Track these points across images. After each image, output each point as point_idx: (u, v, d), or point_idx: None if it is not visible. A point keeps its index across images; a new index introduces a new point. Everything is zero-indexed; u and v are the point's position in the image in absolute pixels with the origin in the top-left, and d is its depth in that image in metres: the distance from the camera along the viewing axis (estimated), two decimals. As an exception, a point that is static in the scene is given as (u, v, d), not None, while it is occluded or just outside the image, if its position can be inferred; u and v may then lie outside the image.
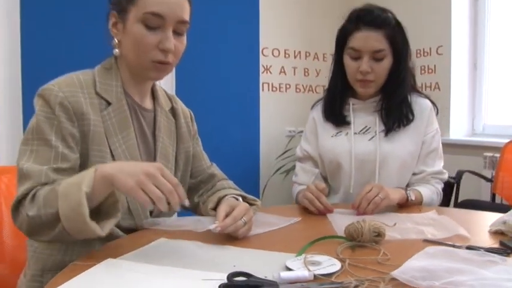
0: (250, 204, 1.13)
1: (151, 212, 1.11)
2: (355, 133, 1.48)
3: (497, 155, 2.59)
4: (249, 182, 3.25)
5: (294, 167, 1.63)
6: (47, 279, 0.96)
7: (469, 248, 0.88)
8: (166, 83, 2.78)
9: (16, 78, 2.44)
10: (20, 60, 2.45)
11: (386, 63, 1.42)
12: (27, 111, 2.40)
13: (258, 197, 3.20)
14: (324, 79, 1.59)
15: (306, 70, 3.59)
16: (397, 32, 1.41)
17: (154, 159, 1.12)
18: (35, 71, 2.41)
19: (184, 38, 1.08)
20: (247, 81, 3.29)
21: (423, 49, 3.22)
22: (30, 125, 0.98)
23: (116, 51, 1.08)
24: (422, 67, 3.24)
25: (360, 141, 1.46)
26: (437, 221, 1.11)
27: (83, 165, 0.98)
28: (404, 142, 1.45)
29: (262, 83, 3.38)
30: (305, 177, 1.53)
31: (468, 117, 3.16)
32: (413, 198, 1.35)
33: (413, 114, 1.46)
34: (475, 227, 1.13)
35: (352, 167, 1.45)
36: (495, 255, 0.81)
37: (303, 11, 3.53)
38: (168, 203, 0.84)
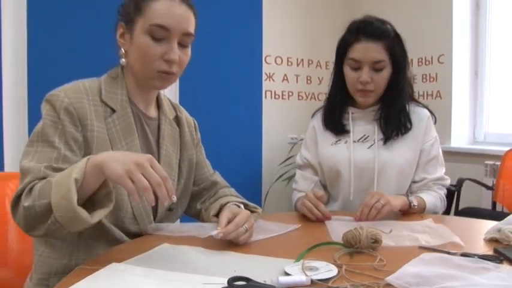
0: (251, 212, 1.16)
1: (154, 217, 1.14)
2: (354, 141, 1.51)
3: (498, 163, 2.60)
4: (251, 188, 3.28)
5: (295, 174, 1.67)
6: (52, 283, 0.98)
7: (464, 255, 0.91)
8: (171, 91, 2.82)
9: (22, 86, 2.46)
10: (26, 67, 2.47)
11: (386, 73, 1.45)
12: (33, 118, 2.43)
13: (260, 204, 3.24)
14: (326, 87, 1.62)
15: (309, 78, 3.62)
16: (396, 43, 1.45)
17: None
18: (40, 78, 2.44)
19: (189, 50, 1.11)
20: (250, 88, 3.32)
21: (425, 57, 3.24)
22: (36, 128, 1.01)
23: (123, 60, 1.11)
24: (424, 75, 3.26)
25: (358, 150, 1.49)
26: (432, 229, 1.13)
27: None
28: (402, 150, 1.47)
29: (265, 91, 3.41)
30: (305, 184, 1.55)
31: (469, 125, 3.18)
32: (415, 204, 1.37)
33: (411, 123, 1.49)
34: (472, 235, 1.16)
35: (351, 175, 1.48)
36: (488, 262, 0.83)
37: (305, 19, 3.57)
38: (156, 198, 0.85)
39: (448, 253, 0.92)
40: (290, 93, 3.54)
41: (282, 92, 3.50)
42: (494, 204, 2.55)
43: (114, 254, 0.94)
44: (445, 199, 1.52)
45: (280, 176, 3.28)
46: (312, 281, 0.76)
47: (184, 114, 1.29)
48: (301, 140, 1.70)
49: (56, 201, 0.84)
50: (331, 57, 1.53)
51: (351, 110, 1.54)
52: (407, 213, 1.37)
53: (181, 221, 1.29)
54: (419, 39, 3.19)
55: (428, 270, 0.79)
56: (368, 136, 1.51)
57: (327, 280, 0.78)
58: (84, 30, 2.58)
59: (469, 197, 2.69)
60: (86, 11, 2.61)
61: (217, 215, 1.14)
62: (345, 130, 1.53)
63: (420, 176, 1.50)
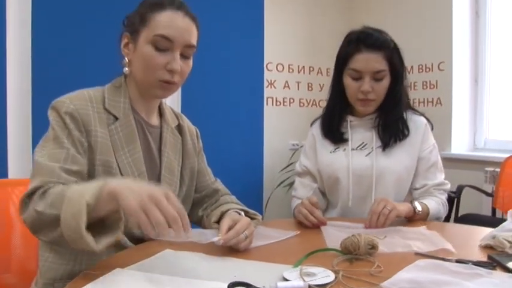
0: (252, 219, 1.19)
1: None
2: (352, 149, 1.53)
3: (498, 169, 2.61)
4: (252, 194, 3.30)
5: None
6: (57, 288, 1.01)
7: (458, 261, 0.92)
8: (173, 98, 2.85)
9: (26, 93, 2.48)
10: (30, 73, 2.49)
11: (386, 82, 1.48)
12: (37, 125, 2.45)
13: (262, 210, 3.26)
14: (327, 94, 1.65)
15: (310, 85, 3.65)
16: (395, 53, 1.48)
17: (159, 173, 1.18)
18: (44, 86, 2.46)
19: (191, 61, 1.15)
20: (251, 95, 3.35)
21: (425, 65, 3.27)
22: (46, 133, 1.05)
23: (126, 69, 1.15)
24: (424, 82, 3.29)
25: (357, 157, 1.52)
26: (425, 235, 1.15)
27: (91, 175, 1.04)
28: (400, 157, 1.50)
29: (267, 97, 3.44)
30: (304, 191, 1.58)
31: (469, 132, 3.19)
32: (419, 209, 1.38)
33: (408, 130, 1.52)
34: (468, 241, 1.17)
35: (349, 182, 1.50)
36: (481, 268, 0.85)
37: (306, 27, 3.60)
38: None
39: (443, 259, 0.94)
40: (291, 100, 3.57)
41: (283, 98, 3.53)
42: (494, 210, 2.56)
43: (117, 260, 0.96)
44: (447, 203, 1.54)
45: (281, 183, 3.30)
46: (309, 286, 0.78)
47: (187, 123, 1.32)
48: (302, 146, 1.72)
49: (66, 219, 0.84)
50: (332, 64, 1.56)
51: (349, 118, 1.57)
52: (411, 219, 1.39)
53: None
54: (420, 47, 3.22)
55: (422, 276, 0.81)
56: (366, 144, 1.54)
57: (324, 286, 0.80)
58: (88, 33, 2.61)
59: (469, 203, 2.70)
60: (89, 13, 2.64)
61: (218, 221, 1.16)
62: (343, 139, 1.56)
63: (421, 182, 1.52)
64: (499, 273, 0.86)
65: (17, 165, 2.46)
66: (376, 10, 3.56)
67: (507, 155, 2.56)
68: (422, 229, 1.22)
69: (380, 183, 1.48)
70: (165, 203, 0.82)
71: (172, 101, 2.86)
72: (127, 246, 1.07)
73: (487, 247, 1.06)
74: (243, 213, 1.20)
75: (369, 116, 1.55)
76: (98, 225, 0.88)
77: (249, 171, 3.32)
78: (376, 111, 1.54)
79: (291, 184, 3.14)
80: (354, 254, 0.98)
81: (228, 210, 1.19)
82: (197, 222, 1.32)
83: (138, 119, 1.16)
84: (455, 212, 2.52)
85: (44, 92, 2.43)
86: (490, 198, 2.64)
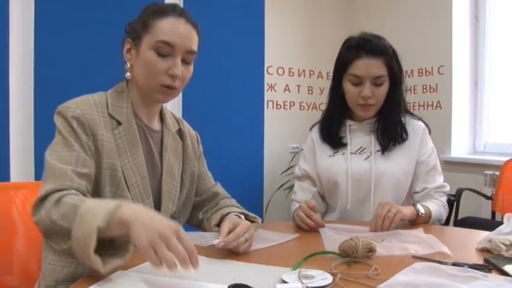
0: (251, 222, 1.20)
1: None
2: (351, 153, 1.55)
3: (498, 173, 2.62)
4: (253, 197, 3.31)
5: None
6: (60, 290, 1.02)
7: (455, 264, 0.94)
8: (174, 102, 2.86)
9: (28, 96, 2.50)
10: (33, 77, 2.51)
11: (385, 87, 1.50)
12: (39, 128, 2.47)
13: (262, 213, 3.27)
14: (327, 97, 1.67)
15: (310, 88, 3.67)
16: (393, 58, 1.50)
17: (160, 177, 1.19)
18: (47, 89, 2.48)
19: (191, 67, 1.17)
20: (252, 98, 3.37)
21: (425, 69, 3.28)
22: (54, 139, 1.06)
23: (128, 74, 1.17)
24: (424, 86, 3.30)
25: (356, 161, 1.53)
26: (422, 238, 1.17)
27: (97, 178, 1.06)
28: (398, 161, 1.52)
29: (267, 101, 3.46)
30: (303, 195, 1.59)
31: (469, 136, 3.20)
32: (423, 212, 1.40)
33: (407, 134, 1.54)
34: (465, 245, 1.19)
35: (348, 186, 1.52)
36: (477, 271, 0.87)
37: (307, 31, 3.62)
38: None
39: (440, 262, 0.95)
40: (292, 103, 3.58)
41: (284, 102, 3.55)
42: (493, 214, 2.57)
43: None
44: (447, 205, 1.56)
45: (282, 186, 3.32)
46: (307, 288, 0.80)
47: (187, 128, 1.34)
48: (302, 149, 1.74)
49: (76, 237, 0.85)
50: (332, 68, 1.58)
51: (348, 122, 1.59)
52: (415, 222, 1.40)
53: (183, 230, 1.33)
54: (420, 51, 3.23)
55: (418, 278, 0.83)
56: (365, 148, 1.55)
57: (321, 288, 0.82)
58: (91, 36, 2.62)
59: (468, 206, 2.71)
60: (91, 15, 2.65)
61: (218, 225, 1.18)
62: (342, 143, 1.57)
63: (421, 186, 1.54)
64: (494, 276, 0.88)
65: (19, 168, 2.47)
66: (376, 14, 3.57)
67: (507, 158, 2.56)
68: (419, 232, 1.24)
69: (378, 186, 1.50)
70: (174, 241, 0.81)
71: (173, 105, 2.88)
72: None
73: (483, 250, 1.07)
74: (243, 216, 1.21)
75: (367, 120, 1.57)
76: (108, 244, 0.88)
77: (249, 174, 3.34)
78: (375, 116, 1.56)
79: (291, 187, 3.14)
80: (352, 256, 0.99)
81: (228, 213, 1.20)
82: (197, 226, 1.34)
83: (140, 124, 1.17)
84: (455, 215, 2.52)
85: (46, 95, 2.45)
86: (490, 202, 2.64)
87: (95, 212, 0.86)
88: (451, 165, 3.04)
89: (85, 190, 1.01)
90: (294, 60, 3.58)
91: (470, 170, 3.00)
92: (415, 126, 1.57)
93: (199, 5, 2.84)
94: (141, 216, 0.85)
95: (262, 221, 1.30)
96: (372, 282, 0.85)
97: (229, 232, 1.05)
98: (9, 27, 2.44)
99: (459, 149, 3.15)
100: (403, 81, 1.55)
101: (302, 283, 0.81)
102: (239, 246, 1.04)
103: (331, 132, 1.59)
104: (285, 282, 0.84)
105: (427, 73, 3.28)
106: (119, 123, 1.12)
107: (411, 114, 1.61)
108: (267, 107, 3.46)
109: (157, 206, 1.17)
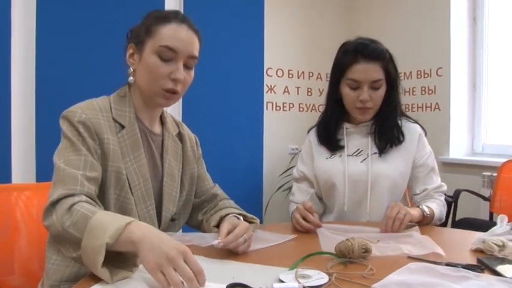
0: (250, 222, 1.23)
1: (159, 226, 1.20)
2: (348, 155, 1.57)
3: (496, 174, 2.63)
4: (252, 198, 3.32)
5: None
6: (63, 289, 1.04)
7: (448, 264, 0.96)
8: (174, 105, 2.87)
9: (30, 98, 2.50)
10: (35, 79, 2.51)
11: (382, 91, 1.52)
12: (41, 131, 2.48)
13: (261, 214, 3.29)
14: (324, 100, 1.69)
15: (309, 90, 3.69)
16: (390, 62, 1.53)
17: (161, 179, 1.22)
18: (48, 91, 2.48)
19: (192, 72, 1.20)
20: (251, 100, 3.36)
21: (423, 70, 3.30)
22: (60, 145, 1.08)
23: (131, 78, 1.19)
24: (423, 88, 3.32)
25: (353, 163, 1.56)
26: (417, 239, 1.19)
27: (103, 181, 1.08)
28: (394, 163, 1.54)
29: (267, 102, 3.48)
30: (301, 196, 1.62)
31: (468, 137, 3.22)
32: (428, 212, 1.43)
33: (403, 136, 1.57)
34: (460, 245, 1.21)
35: (345, 187, 1.54)
36: (469, 271, 0.89)
37: (306, 32, 3.64)
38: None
39: (434, 263, 0.98)
40: (291, 105, 3.60)
41: (283, 103, 3.57)
42: (491, 215, 2.59)
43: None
44: (446, 204, 1.59)
45: (281, 187, 3.34)
46: (303, 287, 0.82)
47: (187, 131, 1.37)
48: (300, 152, 1.77)
49: (85, 249, 0.87)
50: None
51: (345, 125, 1.61)
52: (420, 223, 1.42)
53: (183, 231, 1.35)
54: (418, 53, 3.26)
55: (412, 278, 0.85)
56: (362, 150, 1.58)
57: (318, 287, 0.84)
58: (92, 37, 2.62)
59: (466, 207, 2.73)
60: (93, 17, 2.65)
61: (217, 225, 1.21)
62: (340, 146, 1.60)
63: (421, 188, 1.57)
64: (486, 276, 0.90)
65: (21, 169, 2.48)
66: (375, 16, 3.59)
67: (504, 160, 2.58)
68: (415, 234, 1.26)
69: (375, 188, 1.53)
70: (181, 263, 0.82)
71: (174, 106, 2.87)
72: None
73: (477, 251, 1.10)
74: (241, 217, 1.24)
75: (364, 123, 1.59)
76: (117, 253, 0.89)
77: (248, 175, 3.35)
78: (372, 118, 1.59)
79: (291, 188, 3.13)
80: (348, 257, 1.02)
81: (227, 214, 1.23)
82: (197, 226, 1.36)
83: (142, 128, 1.20)
84: (453, 216, 2.55)
85: (48, 96, 2.46)
86: (488, 203, 2.67)
87: (105, 227, 0.87)
88: (449, 167, 3.06)
89: (94, 194, 1.03)
90: (294, 62, 3.61)
91: (468, 171, 3.02)
92: (411, 129, 1.59)
93: (199, 7, 2.86)
94: (149, 238, 0.86)
95: (261, 222, 1.32)
96: (367, 281, 0.87)
97: (229, 233, 1.08)
98: (11, 28, 2.44)
99: (457, 150, 3.17)
100: (399, 85, 1.57)
101: (299, 283, 0.83)
102: (238, 246, 1.07)
103: (329, 135, 1.61)
104: (282, 281, 0.86)
105: (426, 75, 3.30)
106: (122, 127, 1.15)
107: (407, 117, 1.64)
108: (267, 108, 3.48)
109: (159, 208, 1.20)
